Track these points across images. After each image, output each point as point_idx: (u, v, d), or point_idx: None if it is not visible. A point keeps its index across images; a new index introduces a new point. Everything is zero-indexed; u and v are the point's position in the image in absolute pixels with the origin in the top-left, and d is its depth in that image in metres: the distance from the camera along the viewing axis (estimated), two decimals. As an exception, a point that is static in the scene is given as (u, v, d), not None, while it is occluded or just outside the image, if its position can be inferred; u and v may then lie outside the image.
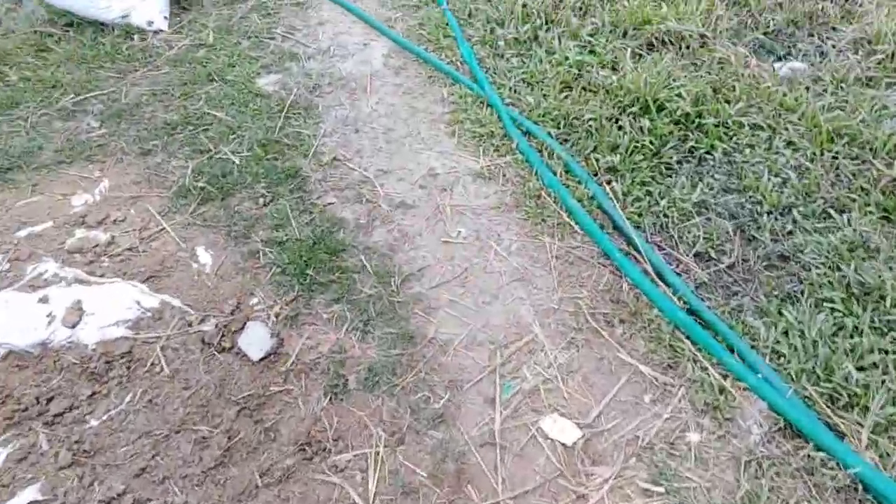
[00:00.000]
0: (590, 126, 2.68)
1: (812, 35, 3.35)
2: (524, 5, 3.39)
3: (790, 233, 2.30)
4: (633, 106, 2.72)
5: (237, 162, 2.74)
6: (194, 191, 2.58)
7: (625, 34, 3.25)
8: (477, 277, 2.22)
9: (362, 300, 2.12)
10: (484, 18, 3.47)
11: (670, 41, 3.19)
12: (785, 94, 2.79)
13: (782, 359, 1.93)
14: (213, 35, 3.69)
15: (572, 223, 2.37)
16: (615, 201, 2.42)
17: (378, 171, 2.71)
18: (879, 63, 2.92)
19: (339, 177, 2.68)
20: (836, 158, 2.51)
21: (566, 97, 2.91)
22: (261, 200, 2.55)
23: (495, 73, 3.16)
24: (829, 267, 2.12)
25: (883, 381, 1.82)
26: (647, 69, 2.86)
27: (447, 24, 3.58)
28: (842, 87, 2.85)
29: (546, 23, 3.37)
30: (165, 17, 3.79)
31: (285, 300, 2.11)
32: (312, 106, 3.12)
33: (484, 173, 2.64)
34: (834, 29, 3.33)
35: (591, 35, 3.25)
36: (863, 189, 2.37)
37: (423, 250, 2.32)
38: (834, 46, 3.14)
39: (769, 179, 2.46)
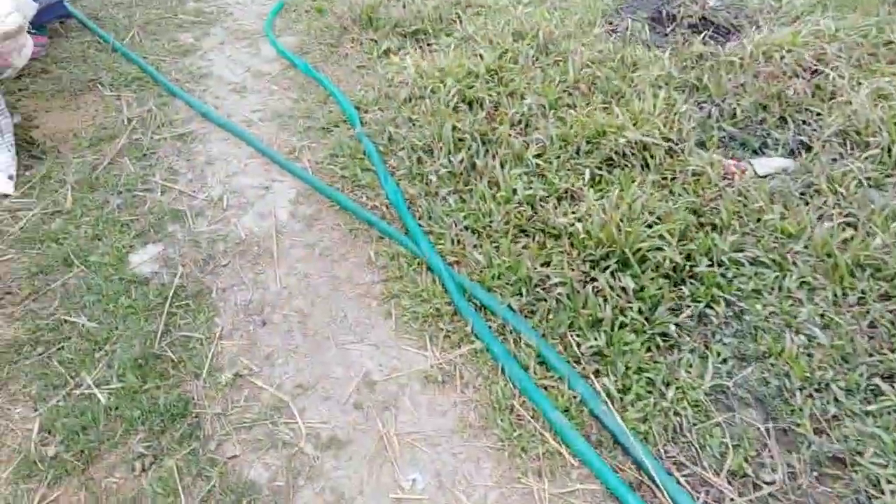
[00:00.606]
0: (560, 294, 2.28)
1: (785, 120, 3.12)
2: (454, 128, 3.02)
3: (835, 418, 1.93)
4: (608, 259, 2.34)
5: (104, 400, 2.19)
6: (43, 464, 2.00)
7: (578, 151, 2.91)
8: (448, 560, 1.73)
9: None
10: (408, 146, 3.08)
11: (632, 153, 2.87)
12: (783, 217, 2.48)
13: None
14: (73, 195, 3.16)
15: (562, 448, 1.92)
16: (610, 404, 2.00)
17: (296, 387, 2.21)
18: (876, 160, 2.67)
19: (243, 405, 2.16)
20: (865, 302, 2.18)
21: (523, 248, 2.51)
22: (138, 464, 2.00)
23: (431, 219, 2.75)
24: (906, 481, 1.75)
25: None
26: (614, 204, 2.50)
27: (365, 154, 3.17)
28: (842, 196, 2.57)
29: (483, 144, 3.01)
30: (10, 177, 3.25)
31: None
32: (204, 291, 2.61)
33: (435, 375, 2.18)
34: (808, 111, 3.11)
35: (538, 156, 2.90)
36: (909, 345, 2.03)
37: (368, 522, 1.82)
38: (818, 138, 2.90)
39: (791, 341, 2.10)
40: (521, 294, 2.34)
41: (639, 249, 2.31)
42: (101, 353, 2.37)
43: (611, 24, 4.22)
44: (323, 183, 3.05)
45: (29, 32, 3.63)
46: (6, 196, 3.16)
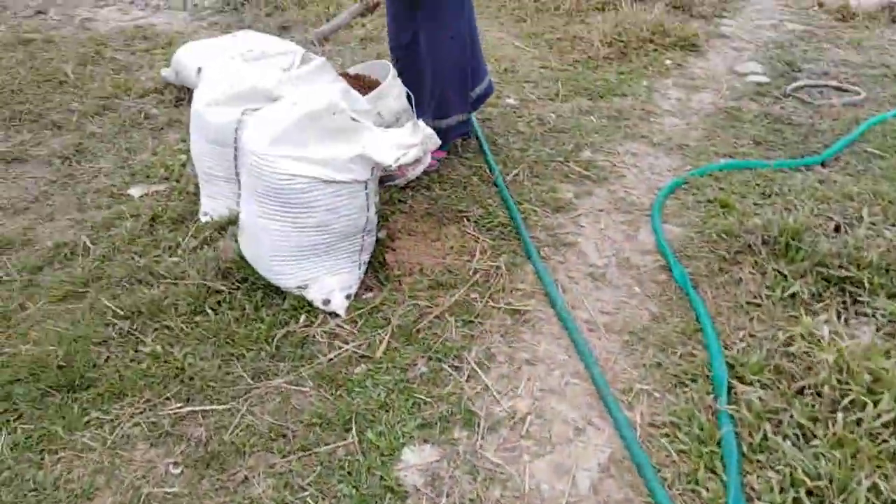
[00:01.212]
0: None
1: None
2: (873, 486, 2.07)
3: None
4: None
5: None
6: None
7: None
8: None
9: None
10: (787, 471, 2.22)
11: None
12: None
13: None
14: (388, 342, 3.07)
15: None
16: None
17: None
18: None
19: None
20: None
21: None
22: None
23: None
24: None
25: None
26: None
27: (720, 446, 2.41)
28: None
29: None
30: (348, 297, 3.32)
31: None
32: (454, 553, 2.15)
33: None
34: None
35: None
36: None
37: None
38: None
39: None
40: None
41: None
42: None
43: None
44: (647, 461, 2.38)
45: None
46: (336, 315, 3.22)
